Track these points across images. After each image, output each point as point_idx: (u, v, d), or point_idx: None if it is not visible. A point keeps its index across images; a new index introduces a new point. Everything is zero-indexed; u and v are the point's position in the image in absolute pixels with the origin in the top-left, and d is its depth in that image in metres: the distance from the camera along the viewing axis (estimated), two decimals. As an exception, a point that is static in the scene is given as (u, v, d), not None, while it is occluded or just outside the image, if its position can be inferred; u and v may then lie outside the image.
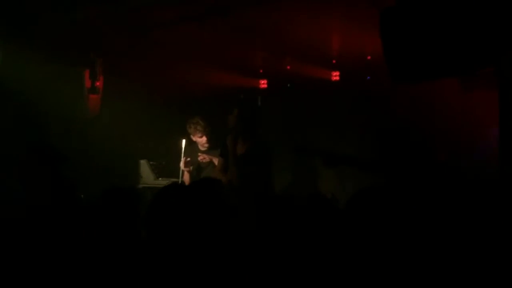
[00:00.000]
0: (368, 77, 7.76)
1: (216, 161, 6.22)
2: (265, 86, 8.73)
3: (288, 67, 8.04)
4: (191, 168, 6.62)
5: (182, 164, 6.56)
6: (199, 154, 6.59)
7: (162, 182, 6.98)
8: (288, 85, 8.60)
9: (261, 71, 8.59)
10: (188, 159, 6.59)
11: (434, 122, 6.14)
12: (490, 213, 2.70)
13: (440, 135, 5.70)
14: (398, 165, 5.05)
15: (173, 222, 2.94)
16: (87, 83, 7.13)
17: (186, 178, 6.64)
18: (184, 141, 6.63)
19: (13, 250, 3.46)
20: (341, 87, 7.96)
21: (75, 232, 3.66)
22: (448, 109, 6.16)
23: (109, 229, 3.48)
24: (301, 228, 2.76)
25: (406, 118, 6.65)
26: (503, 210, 3.00)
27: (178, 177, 6.64)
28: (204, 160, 6.54)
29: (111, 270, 3.11)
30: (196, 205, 2.99)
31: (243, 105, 5.94)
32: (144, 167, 7.27)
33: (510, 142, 3.97)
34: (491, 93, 4.24)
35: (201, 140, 6.66)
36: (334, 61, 7.89)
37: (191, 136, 6.70)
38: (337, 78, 8.03)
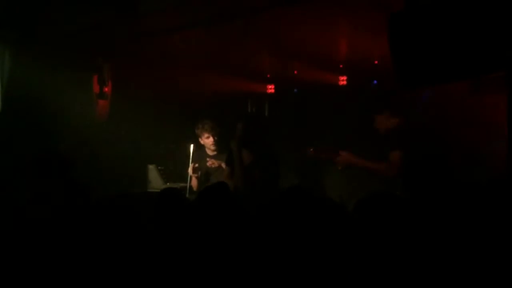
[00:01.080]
0: (375, 81, 7.78)
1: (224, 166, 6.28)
2: (272, 91, 8.76)
3: (296, 72, 8.06)
4: (199, 173, 6.62)
5: (190, 170, 6.56)
6: (208, 159, 6.59)
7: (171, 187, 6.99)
8: (295, 90, 8.64)
9: (268, 76, 8.61)
10: (197, 165, 6.58)
11: (442, 125, 6.14)
12: (499, 216, 2.70)
13: (449, 138, 5.70)
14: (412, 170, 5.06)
15: (186, 225, 2.97)
16: (96, 88, 7.17)
17: (194, 183, 6.64)
18: (192, 146, 6.63)
19: (22, 251, 3.50)
20: (348, 92, 7.98)
21: (84, 235, 3.69)
22: (457, 112, 6.16)
23: (118, 234, 3.50)
24: (309, 232, 2.76)
25: (416, 121, 6.67)
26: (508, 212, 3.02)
27: (186, 182, 6.64)
28: (213, 165, 6.54)
29: (120, 273, 3.14)
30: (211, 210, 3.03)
31: (249, 118, 5.97)
32: (153, 172, 7.28)
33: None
34: (500, 96, 4.25)
35: (208, 142, 6.64)
36: (341, 66, 7.90)
37: (199, 139, 6.70)
38: (344, 82, 8.05)
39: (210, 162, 6.54)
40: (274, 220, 2.86)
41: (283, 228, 2.81)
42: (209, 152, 6.72)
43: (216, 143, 6.63)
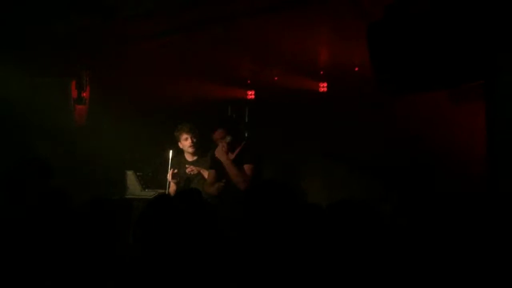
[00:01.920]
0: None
1: (204, 173, 6.28)
2: (253, 97, 8.76)
3: (276, 78, 8.06)
4: (178, 179, 6.57)
5: (169, 176, 6.51)
6: (187, 166, 6.54)
7: (149, 193, 6.91)
8: (275, 96, 8.65)
9: (248, 82, 8.61)
10: (176, 170, 6.53)
11: (421, 132, 6.19)
12: (475, 222, 2.73)
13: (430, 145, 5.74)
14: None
15: (163, 232, 2.96)
16: (74, 93, 7.08)
17: (173, 189, 6.57)
18: (171, 152, 6.58)
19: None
20: (328, 98, 8.01)
21: (62, 241, 3.65)
22: (436, 120, 6.21)
23: (96, 240, 3.47)
24: (282, 225, 2.79)
25: (395, 128, 6.71)
26: (488, 218, 3.03)
27: (165, 188, 6.58)
28: (192, 172, 6.48)
29: (98, 280, 3.12)
30: (183, 215, 3.02)
31: (226, 121, 6.06)
32: (131, 178, 7.19)
33: (496, 152, 4.00)
34: (478, 104, 4.28)
35: (186, 144, 6.56)
36: (321, 72, 7.92)
37: (178, 143, 6.64)
38: (325, 89, 8.07)
39: (189, 169, 6.49)
40: (248, 212, 2.89)
41: (257, 221, 2.83)
42: (188, 158, 6.67)
43: (194, 145, 6.56)
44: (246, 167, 5.79)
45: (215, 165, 6.01)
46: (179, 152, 6.69)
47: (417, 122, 6.42)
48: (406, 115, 6.50)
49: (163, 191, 6.61)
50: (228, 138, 5.87)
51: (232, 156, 5.88)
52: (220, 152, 5.83)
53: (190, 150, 6.58)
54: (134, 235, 3.17)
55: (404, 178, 5.96)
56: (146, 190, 7.10)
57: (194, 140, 6.55)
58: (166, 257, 2.96)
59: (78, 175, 7.22)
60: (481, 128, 4.33)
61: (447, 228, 2.76)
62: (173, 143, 6.67)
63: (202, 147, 6.57)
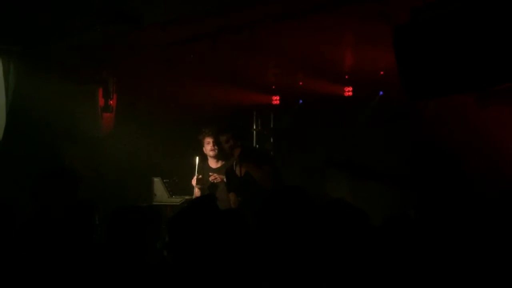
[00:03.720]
0: (381, 92, 7.77)
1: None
2: (278, 102, 8.78)
3: (301, 83, 8.06)
4: (202, 185, 6.56)
5: (193, 182, 6.51)
6: (210, 173, 6.50)
7: (176, 199, 6.97)
8: (300, 101, 8.64)
9: (273, 87, 8.62)
10: (200, 176, 6.53)
11: (449, 137, 6.12)
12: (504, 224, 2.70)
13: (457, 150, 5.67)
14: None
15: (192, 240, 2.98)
16: (101, 101, 7.16)
17: (197, 195, 6.57)
18: (197, 158, 6.59)
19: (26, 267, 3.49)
20: (354, 103, 7.98)
21: (90, 248, 3.68)
22: (464, 124, 6.14)
23: (126, 247, 3.49)
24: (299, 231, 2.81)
25: (420, 132, 6.65)
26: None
27: (191, 195, 6.60)
28: (216, 180, 6.43)
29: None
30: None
31: (230, 126, 6.16)
32: (158, 185, 7.27)
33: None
34: (508, 108, 4.23)
35: (208, 148, 6.55)
36: (346, 77, 7.90)
37: (203, 148, 6.65)
38: (350, 93, 8.05)
39: (212, 177, 6.42)
40: (267, 218, 2.91)
41: (275, 227, 2.84)
42: (212, 165, 6.65)
43: (215, 149, 6.55)
44: (266, 167, 5.88)
45: (232, 184, 6.20)
46: (204, 159, 6.69)
47: (444, 126, 6.35)
48: (432, 119, 6.44)
49: (189, 197, 6.64)
50: (231, 142, 6.01)
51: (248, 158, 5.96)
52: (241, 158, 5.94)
53: (211, 153, 6.57)
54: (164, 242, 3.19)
55: (432, 184, 5.89)
56: (173, 196, 7.15)
57: (216, 143, 6.54)
58: (192, 263, 2.98)
59: (105, 183, 7.27)
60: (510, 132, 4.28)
61: (477, 232, 2.73)
62: (199, 150, 6.68)
63: (226, 154, 6.55)
